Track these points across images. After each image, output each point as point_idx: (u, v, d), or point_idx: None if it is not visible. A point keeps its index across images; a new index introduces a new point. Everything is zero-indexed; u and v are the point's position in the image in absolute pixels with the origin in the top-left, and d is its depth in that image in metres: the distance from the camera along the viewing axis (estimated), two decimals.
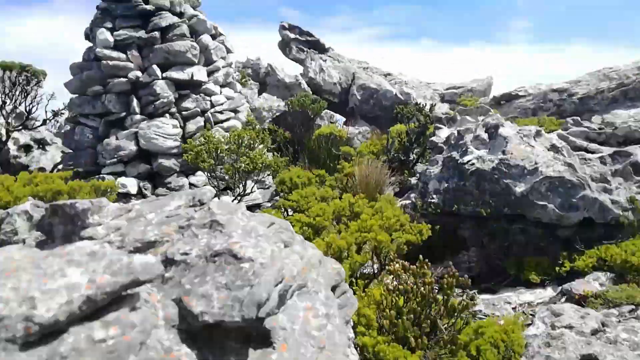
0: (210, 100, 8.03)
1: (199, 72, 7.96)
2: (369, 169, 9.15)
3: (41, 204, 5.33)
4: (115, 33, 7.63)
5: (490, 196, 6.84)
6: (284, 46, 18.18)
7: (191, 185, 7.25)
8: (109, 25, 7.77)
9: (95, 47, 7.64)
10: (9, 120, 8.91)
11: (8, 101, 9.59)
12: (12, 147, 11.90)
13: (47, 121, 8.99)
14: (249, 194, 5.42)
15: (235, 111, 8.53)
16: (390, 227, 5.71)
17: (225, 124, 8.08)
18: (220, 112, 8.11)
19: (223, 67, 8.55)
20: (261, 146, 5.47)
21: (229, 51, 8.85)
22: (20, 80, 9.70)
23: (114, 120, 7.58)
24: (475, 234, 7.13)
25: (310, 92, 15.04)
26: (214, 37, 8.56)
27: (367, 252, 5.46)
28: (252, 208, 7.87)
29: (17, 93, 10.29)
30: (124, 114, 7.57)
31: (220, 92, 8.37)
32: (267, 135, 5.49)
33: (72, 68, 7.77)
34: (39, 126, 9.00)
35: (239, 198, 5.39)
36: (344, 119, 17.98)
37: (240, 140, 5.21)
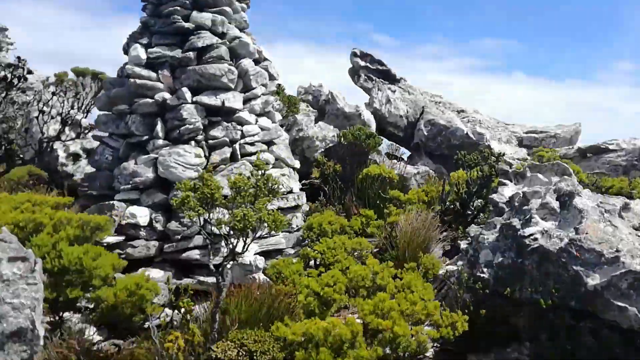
0: (242, 130, 7.29)
1: (233, 99, 7.26)
2: (416, 221, 7.97)
3: (9, 238, 4.69)
4: (149, 50, 7.13)
5: (554, 283, 5.45)
6: (353, 73, 17.41)
7: (205, 221, 6.46)
8: (145, 41, 7.30)
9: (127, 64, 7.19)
10: (44, 129, 8.68)
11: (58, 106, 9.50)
12: (61, 155, 11.90)
13: (81, 134, 8.70)
14: (242, 253, 4.50)
15: (269, 143, 7.73)
16: (414, 313, 4.57)
17: (253, 158, 7.28)
18: (251, 144, 7.34)
19: (263, 94, 7.81)
20: (269, 196, 4.54)
21: (272, 77, 8.11)
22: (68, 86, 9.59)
23: (136, 143, 7.03)
24: (532, 325, 5.74)
25: (372, 124, 14.07)
26: (257, 61, 7.86)
27: (383, 343, 4.35)
28: (272, 253, 6.98)
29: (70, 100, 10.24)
30: (146, 137, 7.00)
31: (256, 122, 7.62)
32: (277, 183, 4.55)
33: (105, 83, 7.36)
34: (72, 139, 8.74)
35: (230, 259, 4.49)
36: (409, 153, 16.84)
37: (239, 188, 4.32)
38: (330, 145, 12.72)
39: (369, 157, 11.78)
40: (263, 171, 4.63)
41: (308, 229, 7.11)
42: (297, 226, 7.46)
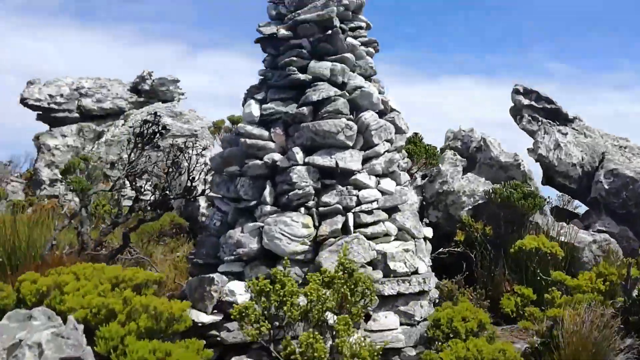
0: (357, 196, 6.22)
1: (350, 158, 6.27)
2: (587, 322, 5.96)
3: (68, 333, 4.18)
4: (262, 106, 6.55)
5: None
6: (515, 114, 15.26)
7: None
8: (261, 96, 6.75)
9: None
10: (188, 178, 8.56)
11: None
12: (202, 205, 12.13)
13: (205, 192, 8.48)
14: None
15: (391, 210, 6.51)
16: None
17: (369, 230, 6.13)
18: (368, 212, 6.21)
19: (387, 151, 6.68)
20: (355, 307, 3.36)
21: (399, 131, 6.94)
22: None
23: (244, 208, 6.43)
24: None
25: (534, 176, 11.90)
26: (382, 113, 6.79)
27: None
28: (388, 353, 5.64)
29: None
30: (254, 202, 6.35)
31: (378, 184, 6.49)
32: (370, 283, 3.36)
33: (222, 141, 6.99)
34: (197, 195, 8.55)
35: None
36: (585, 209, 14.06)
37: (312, 302, 3.24)
38: (480, 202, 10.94)
39: (529, 218, 9.74)
40: (351, 270, 3.48)
41: (434, 325, 5.65)
42: (421, 317, 6.04)
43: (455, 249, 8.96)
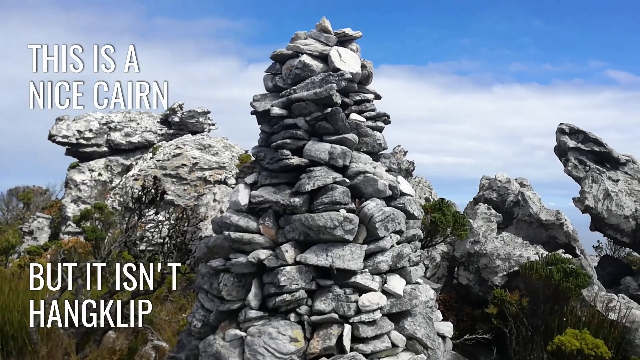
0: (356, 302, 5.33)
1: (349, 256, 5.38)
2: None
3: None
4: (252, 193, 5.78)
5: None
6: (560, 155, 13.95)
7: None
8: (252, 179, 5.99)
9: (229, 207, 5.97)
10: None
11: None
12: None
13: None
14: None
15: (399, 316, 5.56)
16: None
17: (370, 346, 5.20)
18: (370, 323, 5.30)
19: (397, 243, 5.76)
20: None
21: (411, 217, 6.01)
22: None
23: (226, 310, 5.65)
24: None
25: (578, 237, 10.59)
26: (390, 198, 5.89)
27: None
28: None
29: None
30: (238, 304, 5.57)
31: (384, 284, 5.58)
32: None
33: (213, 223, 6.26)
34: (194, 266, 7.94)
35: None
36: None
37: None
38: (517, 268, 9.79)
39: (572, 299, 8.51)
40: None
41: None
42: None
43: (483, 336, 7.86)
